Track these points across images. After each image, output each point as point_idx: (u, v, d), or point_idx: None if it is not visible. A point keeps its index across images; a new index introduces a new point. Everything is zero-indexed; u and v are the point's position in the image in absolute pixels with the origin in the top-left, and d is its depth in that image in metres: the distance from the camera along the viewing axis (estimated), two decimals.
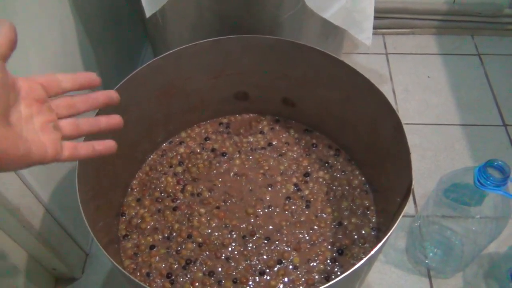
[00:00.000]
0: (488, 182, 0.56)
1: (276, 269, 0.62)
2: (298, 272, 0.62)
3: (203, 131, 0.77)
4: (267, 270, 0.62)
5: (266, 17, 0.71)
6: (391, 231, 0.47)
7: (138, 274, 0.62)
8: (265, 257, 0.63)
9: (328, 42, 0.81)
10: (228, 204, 0.68)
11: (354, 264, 0.44)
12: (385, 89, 1.01)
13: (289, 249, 0.64)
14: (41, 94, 0.35)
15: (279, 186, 0.70)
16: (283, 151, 0.74)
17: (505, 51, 1.12)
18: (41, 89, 0.35)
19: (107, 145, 0.40)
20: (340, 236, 0.65)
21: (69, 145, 0.36)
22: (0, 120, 0.30)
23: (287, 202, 0.68)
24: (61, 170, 0.68)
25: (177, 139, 0.76)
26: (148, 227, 0.67)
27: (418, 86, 1.05)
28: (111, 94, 0.41)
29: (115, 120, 0.42)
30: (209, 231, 0.66)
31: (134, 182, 0.71)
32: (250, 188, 0.70)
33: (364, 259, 0.45)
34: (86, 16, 0.75)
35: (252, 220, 0.67)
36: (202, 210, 0.68)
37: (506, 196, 0.57)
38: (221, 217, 0.67)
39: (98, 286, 0.75)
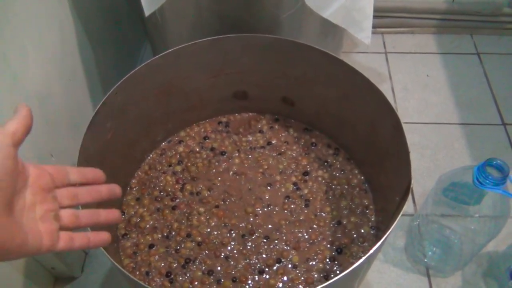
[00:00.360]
0: (487, 181, 0.56)
1: (275, 268, 0.62)
2: (297, 271, 0.62)
3: (202, 130, 0.77)
4: (266, 269, 0.62)
5: (265, 16, 0.71)
6: (390, 230, 0.47)
7: (137, 273, 0.62)
8: (264, 256, 0.63)
9: (328, 41, 0.81)
10: (227, 203, 0.68)
11: (353, 263, 0.45)
12: (384, 88, 1.01)
13: (288, 248, 0.64)
14: (48, 183, 0.35)
15: (278, 185, 0.70)
16: (282, 150, 0.74)
17: (504, 50, 1.12)
18: (49, 178, 0.36)
19: (102, 238, 0.40)
20: (339, 235, 0.65)
21: (65, 235, 0.36)
22: (4, 209, 0.30)
23: (286, 201, 0.69)
24: None
25: (176, 138, 0.76)
26: (147, 226, 0.67)
27: (417, 85, 1.05)
28: (114, 189, 0.42)
29: (114, 215, 0.41)
30: (208, 230, 0.66)
31: (133, 181, 0.71)
32: (249, 187, 0.70)
33: (363, 258, 0.45)
34: (85, 15, 0.75)
35: (251, 219, 0.67)
36: (201, 209, 0.68)
37: (505, 195, 0.57)
38: (220, 216, 0.67)
39: (98, 285, 0.75)
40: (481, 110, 0.99)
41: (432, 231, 0.72)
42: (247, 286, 0.61)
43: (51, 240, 0.34)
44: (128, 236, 0.66)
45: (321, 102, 0.72)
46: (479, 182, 0.57)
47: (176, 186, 0.70)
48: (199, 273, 0.62)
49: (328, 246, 0.64)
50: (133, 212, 0.68)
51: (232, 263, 0.63)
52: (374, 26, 0.71)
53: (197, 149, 0.75)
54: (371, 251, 0.45)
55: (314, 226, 0.66)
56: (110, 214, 0.41)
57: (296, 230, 0.66)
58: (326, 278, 0.62)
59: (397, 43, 1.14)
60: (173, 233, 0.66)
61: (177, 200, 0.69)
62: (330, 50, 0.63)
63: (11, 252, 0.31)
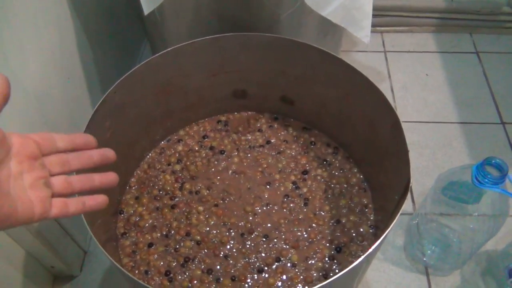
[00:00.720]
0: (486, 180, 0.56)
1: (274, 267, 0.62)
2: (297, 270, 0.62)
3: (201, 129, 0.77)
4: (266, 268, 0.62)
5: (265, 15, 0.71)
6: (389, 228, 0.47)
7: (137, 272, 0.62)
8: (263, 255, 0.63)
9: (327, 40, 0.81)
10: (226, 202, 0.68)
11: (352, 262, 0.45)
12: (384, 87, 1.01)
13: (288, 247, 0.64)
14: (34, 151, 0.35)
15: (277, 184, 0.70)
16: (282, 149, 0.74)
17: (503, 49, 1.12)
18: (35, 146, 0.35)
19: (98, 201, 0.39)
20: (338, 234, 0.65)
21: (58, 202, 0.36)
22: None
23: (285, 200, 0.69)
24: None
25: (175, 137, 0.76)
26: (147, 225, 0.67)
27: (417, 84, 1.05)
28: (107, 153, 0.40)
29: (109, 177, 0.40)
30: (208, 229, 0.66)
31: (133, 180, 0.71)
32: (249, 186, 0.70)
33: (362, 257, 0.45)
34: (84, 14, 0.75)
35: (251, 218, 0.67)
36: (201, 208, 0.68)
37: (504, 193, 0.57)
38: (220, 215, 0.67)
39: (97, 284, 0.75)
40: (480, 109, 1.00)
41: (431, 230, 0.72)
42: (246, 285, 0.61)
43: (43, 208, 0.34)
44: (127, 235, 0.66)
45: (320, 101, 0.72)
46: (478, 181, 0.57)
47: (175, 185, 0.70)
48: (198, 272, 0.62)
49: (327, 245, 0.64)
50: (132, 211, 0.68)
51: (231, 262, 0.63)
52: (373, 25, 0.71)
53: (196, 148, 0.75)
54: (370, 250, 0.46)
55: (313, 225, 0.66)
56: (105, 178, 0.40)
57: (295, 229, 0.66)
58: (325, 277, 0.62)
59: (396, 42, 1.14)
60: (172, 232, 0.66)
61: (176, 199, 0.69)
62: (329, 49, 0.63)
63: (0, 221, 0.31)
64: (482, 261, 0.76)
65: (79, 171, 0.38)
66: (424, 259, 0.75)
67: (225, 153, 0.74)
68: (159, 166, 0.73)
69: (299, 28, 0.75)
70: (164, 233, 0.66)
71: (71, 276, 0.75)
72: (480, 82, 1.05)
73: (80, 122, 0.60)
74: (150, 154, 0.74)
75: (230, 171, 0.72)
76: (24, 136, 0.35)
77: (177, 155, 0.74)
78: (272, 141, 0.76)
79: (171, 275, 0.62)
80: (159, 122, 0.73)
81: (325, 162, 0.73)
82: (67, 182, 0.37)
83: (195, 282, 0.61)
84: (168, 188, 0.70)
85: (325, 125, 0.75)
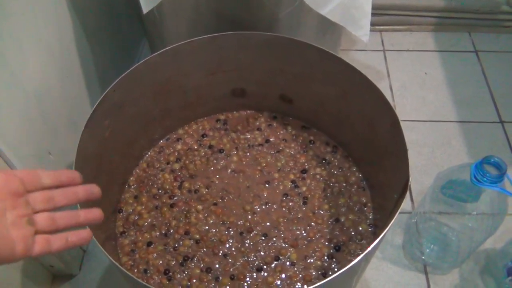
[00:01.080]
0: (485, 179, 0.56)
1: (273, 265, 0.62)
2: (295, 269, 0.62)
3: (200, 127, 0.77)
4: (265, 267, 0.62)
5: (264, 14, 0.71)
6: (388, 227, 0.47)
7: (136, 270, 0.62)
8: (262, 253, 0.63)
9: (326, 39, 0.81)
10: (225, 200, 0.68)
11: (351, 261, 0.45)
12: (382, 86, 1.01)
13: (286, 245, 0.64)
14: (18, 188, 0.34)
15: (276, 183, 0.70)
16: (281, 148, 0.74)
17: (502, 48, 1.12)
18: (19, 183, 0.35)
19: (81, 236, 0.39)
20: (337, 233, 0.65)
21: (41, 239, 0.35)
22: None
23: (284, 198, 0.69)
24: (58, 166, 0.68)
25: (174, 136, 0.76)
26: (146, 223, 0.67)
27: (415, 83, 1.05)
28: (92, 189, 0.40)
29: (94, 214, 0.40)
30: (207, 227, 0.66)
31: (131, 178, 0.71)
32: (248, 184, 0.70)
33: (361, 256, 0.45)
34: (83, 12, 0.75)
35: (250, 217, 0.67)
36: (200, 207, 0.68)
37: (503, 192, 0.57)
38: (219, 214, 0.67)
39: (96, 283, 0.75)
40: (478, 108, 1.00)
41: (429, 229, 0.72)
42: (245, 284, 0.61)
43: (25, 246, 0.34)
44: (126, 233, 0.66)
45: (319, 100, 0.72)
46: (476, 180, 0.57)
47: (174, 184, 0.70)
48: (197, 271, 0.62)
49: (326, 243, 0.64)
50: (131, 210, 0.68)
51: (230, 260, 0.63)
52: (372, 24, 0.71)
53: (195, 147, 0.75)
54: (369, 249, 0.46)
55: (312, 223, 0.66)
56: (91, 214, 0.40)
57: (294, 228, 0.66)
58: (324, 275, 0.62)
59: (395, 41, 1.14)
60: (171, 230, 0.66)
61: (175, 198, 0.69)
62: (328, 48, 0.63)
63: None
64: (481, 260, 0.77)
65: (64, 208, 0.38)
66: (423, 257, 0.75)
67: (224, 152, 0.74)
68: (158, 165, 0.73)
69: (298, 27, 0.75)
70: (163, 232, 0.66)
71: (70, 275, 0.75)
72: (479, 81, 1.05)
73: (79, 121, 0.60)
74: (149, 153, 0.74)
75: (229, 170, 0.72)
76: (7, 172, 0.35)
77: (176, 154, 0.74)
78: (271, 140, 0.76)
79: (170, 274, 0.62)
80: (158, 121, 0.73)
81: (324, 161, 0.73)
82: (51, 219, 0.36)
83: (194, 281, 0.61)
84: (167, 187, 0.70)
85: (324, 124, 0.75)
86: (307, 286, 0.60)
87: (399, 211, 0.48)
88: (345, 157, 0.73)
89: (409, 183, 0.51)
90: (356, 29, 0.69)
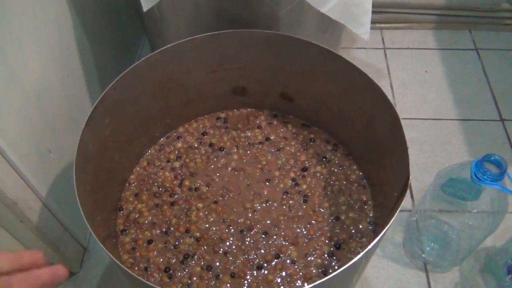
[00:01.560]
0: (485, 177, 0.56)
1: (273, 263, 0.63)
2: (296, 267, 0.62)
3: (200, 125, 0.77)
4: (265, 265, 0.62)
5: (264, 12, 0.71)
6: (388, 225, 0.47)
7: (136, 268, 0.62)
8: (262, 251, 0.63)
9: (326, 37, 0.81)
10: (225, 198, 0.69)
11: (352, 258, 0.45)
12: (383, 84, 1.01)
13: (287, 243, 0.64)
14: None
15: (276, 181, 0.70)
16: (281, 146, 0.74)
17: (502, 45, 1.12)
18: None
19: None
20: (338, 231, 0.65)
21: None
22: None
23: (284, 196, 0.69)
24: (59, 165, 0.68)
25: (174, 134, 0.76)
26: (146, 221, 0.67)
27: (416, 80, 1.05)
28: (58, 271, 0.36)
29: (58, 272, 0.36)
30: (207, 225, 0.66)
31: (132, 177, 0.71)
32: (248, 182, 0.70)
33: (362, 253, 0.45)
34: (83, 10, 0.75)
35: (250, 215, 0.67)
36: (200, 205, 0.68)
37: (503, 190, 0.57)
38: (219, 212, 0.67)
39: (96, 280, 0.75)
40: (479, 106, 1.00)
41: (430, 227, 0.72)
42: (246, 282, 0.61)
43: None
44: (127, 231, 0.66)
45: (319, 98, 0.71)
46: (477, 178, 0.57)
47: (175, 182, 0.70)
48: (198, 269, 0.62)
49: (327, 241, 0.64)
50: (131, 208, 0.68)
51: (230, 258, 0.63)
52: (372, 22, 0.71)
53: (196, 145, 0.75)
54: (369, 247, 0.46)
55: (313, 221, 0.66)
56: (54, 273, 0.36)
57: (294, 226, 0.66)
58: (325, 273, 0.62)
59: (395, 39, 1.14)
60: (172, 228, 0.66)
61: (176, 196, 0.69)
62: (329, 46, 0.63)
63: None
64: (481, 258, 0.77)
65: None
66: (423, 255, 0.75)
67: (225, 150, 0.74)
68: (159, 163, 0.73)
69: (299, 25, 0.74)
70: (164, 230, 0.66)
71: (71, 273, 0.75)
72: (480, 79, 1.05)
73: (79, 119, 0.60)
74: (149, 151, 0.74)
75: (229, 168, 0.72)
76: None
77: (176, 152, 0.74)
78: (272, 138, 0.76)
79: (171, 271, 0.62)
80: (158, 119, 0.73)
81: (324, 159, 0.73)
82: None
83: (195, 278, 0.61)
84: (168, 185, 0.70)
85: (324, 122, 0.75)
86: (308, 284, 0.60)
87: (399, 209, 0.48)
88: (346, 155, 0.73)
89: (410, 181, 0.51)
90: (357, 27, 0.69)
